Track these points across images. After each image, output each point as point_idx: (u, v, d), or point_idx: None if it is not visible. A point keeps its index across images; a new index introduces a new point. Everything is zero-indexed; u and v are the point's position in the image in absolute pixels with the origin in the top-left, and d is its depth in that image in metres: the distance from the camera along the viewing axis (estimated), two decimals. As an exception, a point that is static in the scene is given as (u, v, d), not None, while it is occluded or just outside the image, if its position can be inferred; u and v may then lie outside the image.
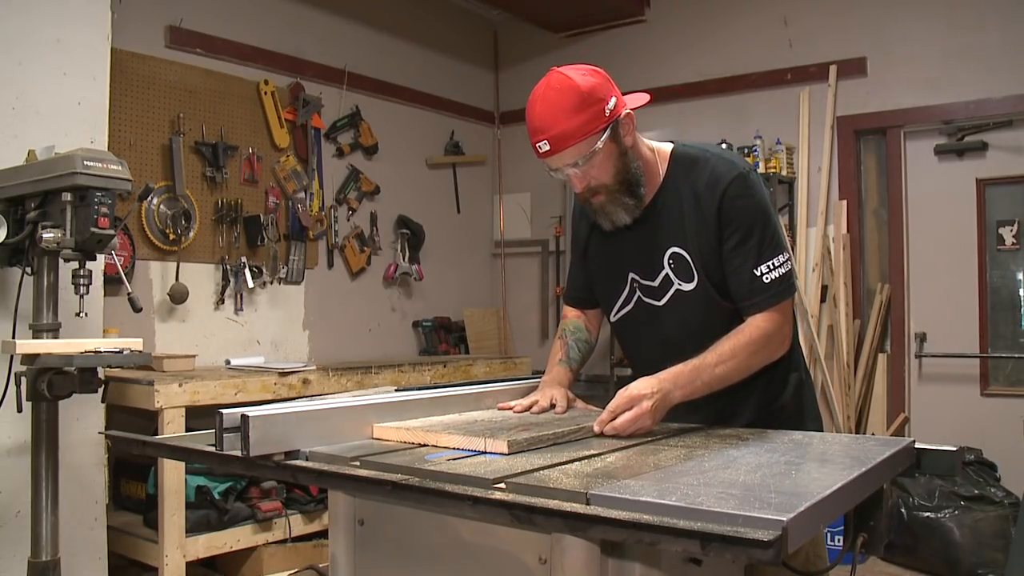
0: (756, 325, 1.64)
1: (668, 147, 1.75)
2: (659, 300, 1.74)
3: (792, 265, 1.69)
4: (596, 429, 1.50)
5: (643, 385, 1.53)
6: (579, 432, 1.49)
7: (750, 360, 1.62)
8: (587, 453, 1.35)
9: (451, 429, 1.43)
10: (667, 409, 1.55)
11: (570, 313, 2.00)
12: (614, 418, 1.50)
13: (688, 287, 1.70)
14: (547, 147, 1.58)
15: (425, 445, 1.39)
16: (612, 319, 1.86)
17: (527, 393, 1.80)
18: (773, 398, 1.78)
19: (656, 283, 1.73)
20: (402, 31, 4.99)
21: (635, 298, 1.78)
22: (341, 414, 1.49)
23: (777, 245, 1.66)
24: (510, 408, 1.71)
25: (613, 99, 1.59)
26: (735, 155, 1.76)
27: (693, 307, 1.71)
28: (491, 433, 1.38)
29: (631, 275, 1.77)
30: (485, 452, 1.32)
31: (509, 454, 1.30)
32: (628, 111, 1.62)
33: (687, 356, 1.63)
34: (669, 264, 1.71)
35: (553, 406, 1.72)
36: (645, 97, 1.71)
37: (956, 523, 3.50)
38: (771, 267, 1.65)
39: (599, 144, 1.58)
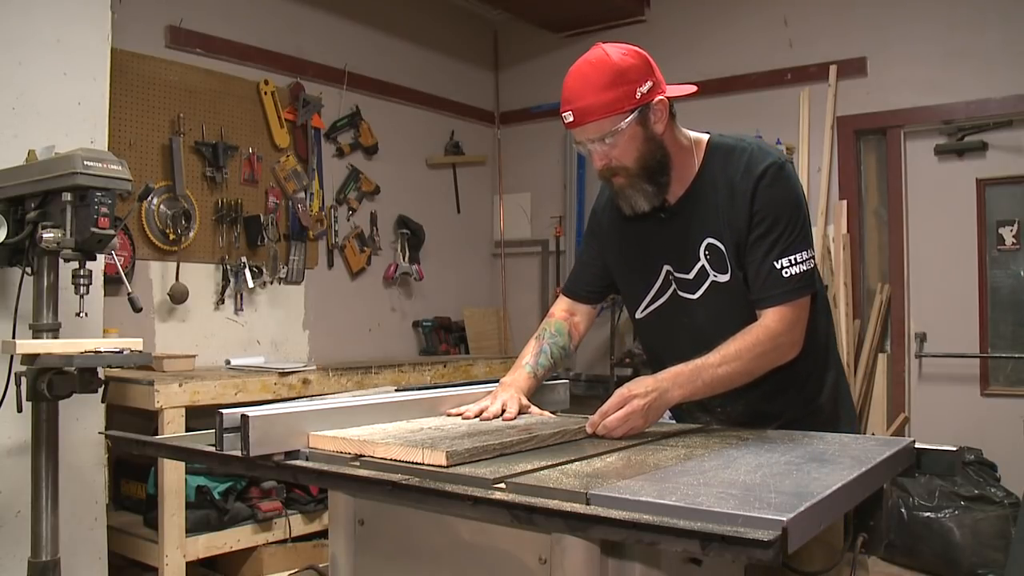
0: (765, 325, 1.60)
1: (705, 137, 1.74)
2: (693, 293, 1.71)
3: (814, 264, 1.65)
4: (588, 430, 1.49)
5: (638, 384, 1.51)
6: (530, 441, 1.40)
7: (756, 362, 1.58)
8: (586, 453, 1.35)
9: (391, 438, 1.34)
10: (664, 409, 1.52)
11: (557, 313, 1.94)
12: (605, 417, 1.48)
13: (723, 279, 1.67)
14: (571, 118, 1.59)
15: (362, 456, 1.32)
16: (639, 315, 1.82)
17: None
18: (811, 398, 1.76)
19: (691, 275, 1.71)
20: (402, 31, 4.99)
21: (670, 291, 1.75)
22: (341, 414, 1.50)
23: (803, 240, 1.63)
24: (460, 414, 1.65)
25: (648, 83, 1.58)
26: (771, 146, 1.73)
27: (728, 299, 1.68)
28: (432, 443, 1.29)
29: (665, 267, 1.74)
30: (423, 464, 1.24)
31: (448, 466, 1.22)
32: (662, 98, 1.61)
33: (708, 348, 1.60)
34: (705, 255, 1.68)
35: (503, 411, 1.65)
36: (691, 88, 1.69)
37: (956, 523, 3.50)
38: (792, 262, 1.61)
39: (623, 124, 1.57)
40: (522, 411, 1.68)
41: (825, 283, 4.26)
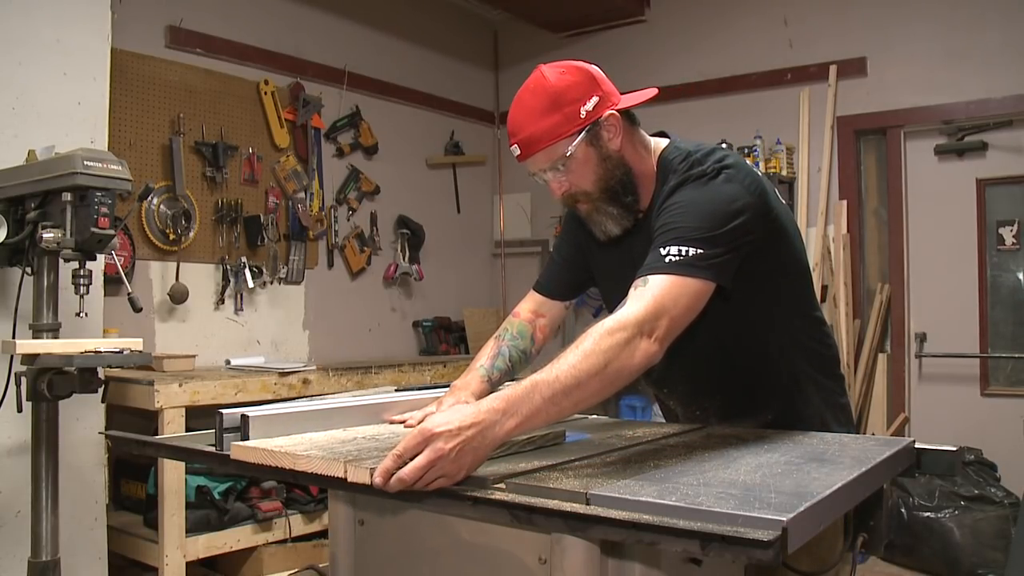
0: (617, 314, 1.32)
1: (663, 144, 1.62)
2: None
3: (713, 259, 1.38)
4: (377, 481, 1.12)
5: (447, 419, 1.15)
6: None
7: (607, 355, 1.25)
8: (586, 454, 1.34)
9: (316, 449, 1.25)
10: (490, 447, 1.17)
11: (522, 313, 1.82)
12: (403, 464, 1.12)
13: None
14: (518, 151, 1.52)
15: (282, 468, 1.24)
16: None
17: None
18: (793, 415, 1.62)
19: None
20: (402, 31, 4.99)
21: None
22: (341, 414, 1.50)
23: (696, 239, 1.38)
24: (402, 422, 1.52)
25: (593, 100, 1.48)
26: (720, 156, 1.52)
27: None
28: (357, 457, 1.18)
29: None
30: (345, 479, 1.15)
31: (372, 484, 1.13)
32: (612, 112, 1.50)
33: (686, 358, 1.55)
34: None
35: None
36: (650, 92, 1.59)
37: (956, 523, 3.50)
38: (680, 253, 1.37)
39: (571, 149, 1.48)
40: None
41: (825, 283, 4.29)
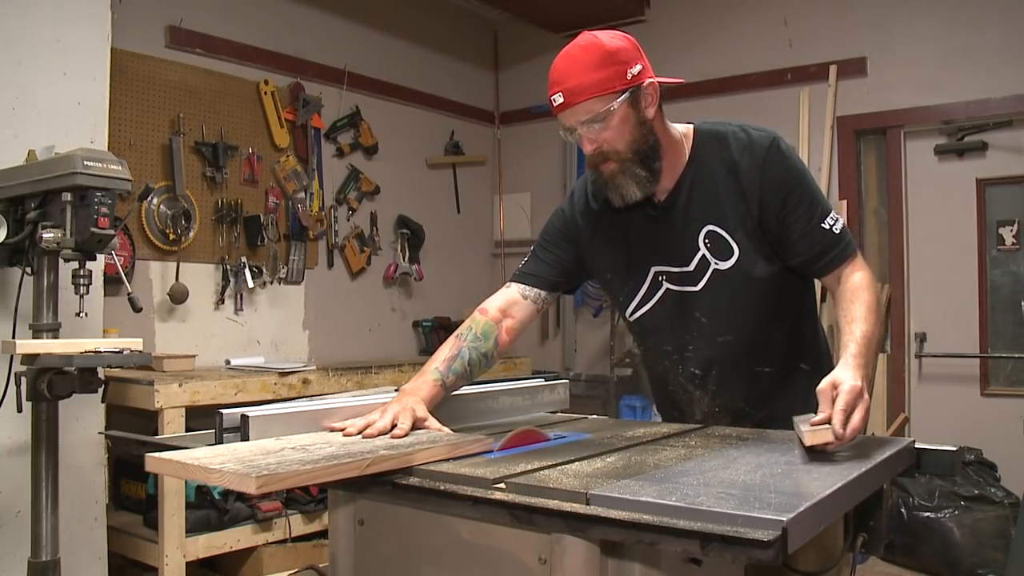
0: (858, 276, 1.59)
1: (690, 127, 1.71)
2: (695, 285, 1.66)
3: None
4: (837, 431, 1.28)
5: (851, 376, 1.35)
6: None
7: (878, 311, 1.54)
8: (586, 453, 1.35)
9: (234, 462, 1.16)
10: None
11: (490, 310, 1.74)
12: (847, 419, 1.31)
13: (725, 265, 1.62)
14: (560, 100, 1.53)
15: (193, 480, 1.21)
16: (632, 317, 1.76)
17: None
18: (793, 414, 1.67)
19: (692, 267, 1.65)
20: (402, 31, 4.99)
21: (661, 291, 1.70)
22: (340, 414, 1.49)
23: (826, 202, 1.64)
24: (342, 429, 1.42)
25: (638, 66, 1.55)
26: (758, 125, 1.72)
27: (731, 286, 1.63)
28: (275, 470, 1.12)
29: (654, 269, 1.69)
30: (253, 497, 1.11)
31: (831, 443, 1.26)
32: (652, 81, 1.57)
33: (716, 340, 1.62)
34: (705, 244, 1.63)
35: (394, 427, 1.40)
36: (679, 79, 1.68)
37: (956, 523, 3.50)
38: (833, 219, 1.62)
39: (614, 105, 1.52)
40: (417, 426, 1.43)
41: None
